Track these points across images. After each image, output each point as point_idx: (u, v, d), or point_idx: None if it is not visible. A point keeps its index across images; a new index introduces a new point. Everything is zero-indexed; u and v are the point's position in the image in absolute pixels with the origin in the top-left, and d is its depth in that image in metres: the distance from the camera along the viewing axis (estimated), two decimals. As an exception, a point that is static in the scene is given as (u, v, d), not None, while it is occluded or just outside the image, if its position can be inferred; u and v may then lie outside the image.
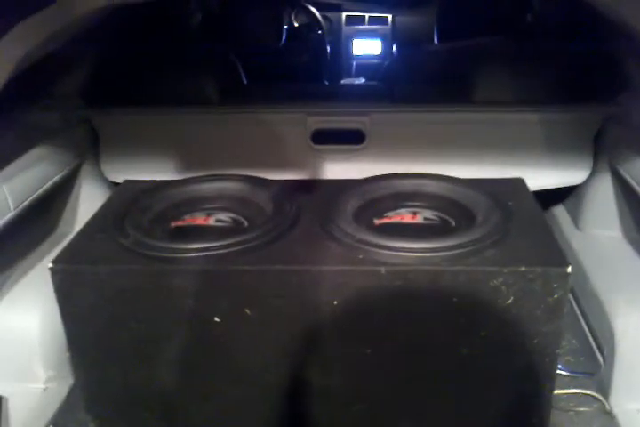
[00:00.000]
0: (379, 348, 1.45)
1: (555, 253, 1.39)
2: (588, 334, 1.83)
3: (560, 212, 2.27)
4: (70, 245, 1.53)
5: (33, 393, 1.71)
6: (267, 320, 1.43)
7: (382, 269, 1.36)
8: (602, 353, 1.71)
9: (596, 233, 2.05)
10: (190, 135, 2.15)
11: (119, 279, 1.43)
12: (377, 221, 1.63)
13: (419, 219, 1.63)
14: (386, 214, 1.65)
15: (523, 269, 1.33)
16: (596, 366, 1.73)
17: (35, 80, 1.92)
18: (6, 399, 1.65)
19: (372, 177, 1.74)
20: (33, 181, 1.77)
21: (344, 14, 4.27)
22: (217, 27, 3.37)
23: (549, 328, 1.39)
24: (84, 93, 2.19)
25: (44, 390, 1.73)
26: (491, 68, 2.24)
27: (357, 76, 4.20)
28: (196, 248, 1.44)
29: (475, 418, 1.53)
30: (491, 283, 1.34)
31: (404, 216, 1.64)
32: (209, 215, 1.68)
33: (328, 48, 4.03)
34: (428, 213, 1.65)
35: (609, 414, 1.61)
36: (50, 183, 1.85)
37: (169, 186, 1.75)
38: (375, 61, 4.23)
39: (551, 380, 1.47)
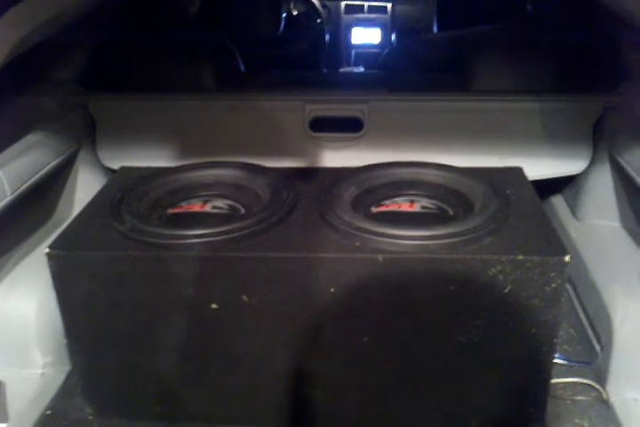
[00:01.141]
0: (375, 336, 1.45)
1: (553, 242, 1.39)
2: (586, 324, 1.83)
3: (558, 201, 2.27)
4: (67, 231, 1.52)
5: (30, 379, 1.71)
6: (264, 307, 1.43)
7: (379, 257, 1.36)
8: (599, 342, 1.71)
9: (594, 223, 2.04)
10: (187, 122, 2.14)
11: (116, 265, 1.43)
12: (374, 210, 1.63)
13: (416, 207, 1.63)
14: (383, 202, 1.65)
15: (521, 257, 1.33)
16: (594, 356, 1.73)
17: (31, 65, 1.92)
18: (4, 385, 1.65)
19: (369, 165, 1.74)
20: (29, 166, 1.76)
21: (343, 3, 4.26)
22: (215, 14, 3.35)
23: (547, 317, 1.39)
24: (81, 79, 2.17)
25: (42, 375, 1.72)
26: (490, 57, 2.23)
27: (356, 64, 4.20)
28: (193, 235, 1.43)
29: (472, 406, 1.53)
30: (488, 271, 1.34)
31: (402, 204, 1.64)
32: (206, 202, 1.67)
33: (327, 37, 4.01)
34: (426, 202, 1.64)
35: (606, 403, 1.61)
36: (46, 169, 1.84)
37: (166, 173, 1.74)
38: (374, 50, 4.21)
39: (548, 369, 1.47)
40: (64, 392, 1.70)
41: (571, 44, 2.20)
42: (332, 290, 1.40)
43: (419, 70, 2.57)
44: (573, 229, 2.07)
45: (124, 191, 1.63)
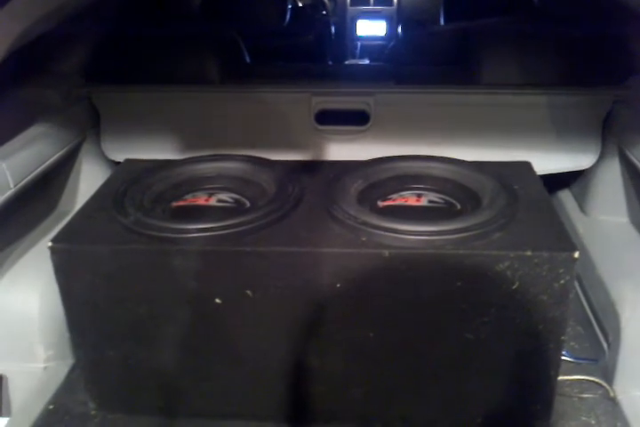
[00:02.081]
0: (381, 331, 1.44)
1: (562, 238, 1.38)
2: (593, 321, 1.82)
3: (566, 196, 2.25)
4: (70, 224, 1.51)
5: (33, 373, 1.70)
6: (268, 302, 1.42)
7: (386, 252, 1.35)
8: (606, 340, 1.69)
9: (602, 218, 2.02)
10: (192, 114, 2.13)
11: (119, 259, 1.42)
12: (381, 204, 1.61)
13: (423, 201, 1.61)
14: (390, 197, 1.63)
15: (529, 253, 1.32)
16: (600, 353, 1.72)
17: (35, 57, 1.90)
18: (6, 379, 1.64)
19: (376, 159, 1.72)
20: (33, 158, 1.75)
21: (349, -5, 4.23)
22: (221, 5, 3.33)
23: (555, 314, 1.37)
24: (85, 71, 2.16)
25: (44, 369, 1.72)
26: (497, 50, 2.21)
27: (362, 57, 4.17)
28: (198, 228, 1.42)
29: (478, 403, 1.52)
30: (496, 267, 1.33)
31: (409, 199, 1.62)
32: (210, 195, 1.66)
33: (332, 29, 3.99)
34: (433, 196, 1.63)
35: (612, 401, 1.60)
36: (50, 161, 1.83)
37: (170, 165, 1.73)
38: (380, 42, 4.19)
39: (556, 366, 1.46)
40: (67, 386, 1.69)
41: (579, 37, 2.18)
42: (338, 285, 1.38)
43: (425, 63, 2.55)
44: (581, 224, 2.06)
45: (127, 184, 1.62)
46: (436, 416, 1.56)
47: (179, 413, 1.61)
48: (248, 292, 1.41)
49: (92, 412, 1.62)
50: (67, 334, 1.57)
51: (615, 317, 1.63)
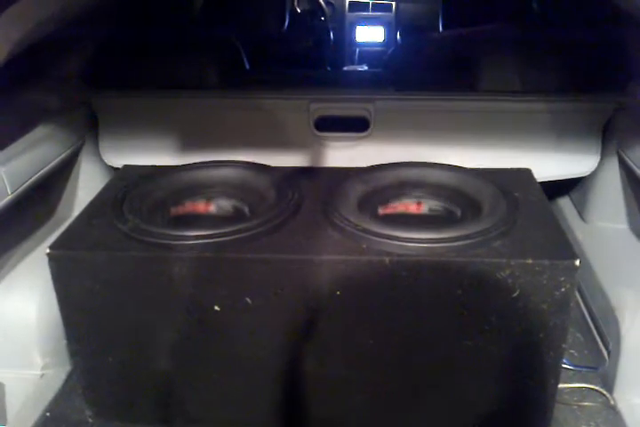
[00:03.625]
0: (381, 339, 1.43)
1: (562, 246, 1.37)
2: (593, 328, 1.81)
3: (566, 203, 2.25)
4: (68, 230, 1.50)
5: (30, 380, 1.69)
6: (268, 309, 1.41)
7: (386, 260, 1.34)
8: (606, 347, 1.69)
9: (602, 226, 2.02)
10: (191, 120, 2.12)
11: (117, 266, 1.41)
12: (381, 211, 1.61)
13: (423, 208, 1.61)
14: (390, 204, 1.63)
15: (530, 261, 1.31)
16: (601, 360, 1.71)
17: (34, 61, 1.89)
18: (3, 386, 1.63)
19: (376, 165, 1.71)
20: (31, 164, 1.74)
21: (347, 0, 4.23)
22: (220, 11, 3.33)
23: (555, 322, 1.37)
24: (85, 76, 2.15)
25: (41, 377, 1.71)
26: (497, 56, 2.20)
27: (360, 63, 4.17)
28: (196, 235, 1.41)
29: (478, 411, 1.51)
30: (497, 275, 1.32)
31: (409, 206, 1.62)
32: (209, 202, 1.65)
33: (331, 35, 3.99)
34: (433, 203, 1.63)
35: (613, 409, 1.59)
36: (48, 167, 1.82)
37: (169, 172, 1.72)
38: (378, 48, 4.19)
39: (556, 374, 1.45)
40: (64, 394, 1.68)
41: (579, 44, 2.18)
42: (338, 292, 1.38)
43: (424, 69, 2.55)
44: (581, 231, 2.05)
45: (126, 190, 1.61)
46: (435, 424, 1.55)
47: (177, 421, 1.60)
48: (247, 299, 1.40)
49: (89, 420, 1.61)
50: (64, 341, 1.56)
51: (615, 324, 1.62)
